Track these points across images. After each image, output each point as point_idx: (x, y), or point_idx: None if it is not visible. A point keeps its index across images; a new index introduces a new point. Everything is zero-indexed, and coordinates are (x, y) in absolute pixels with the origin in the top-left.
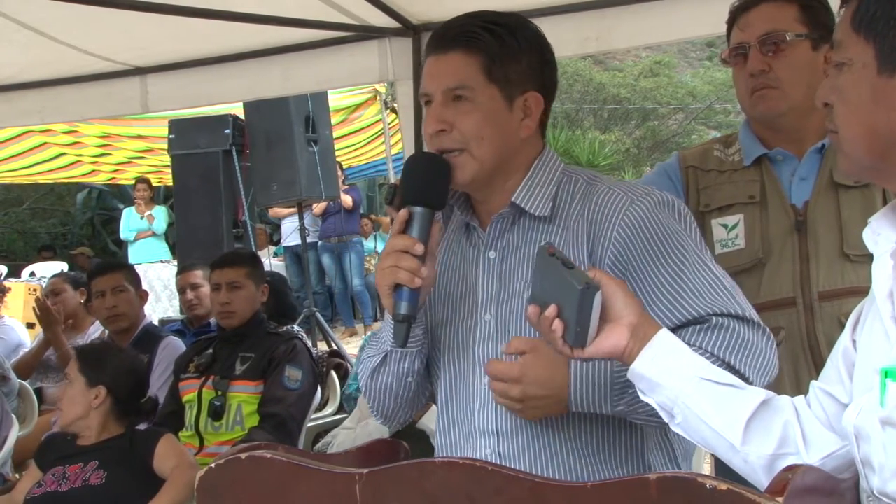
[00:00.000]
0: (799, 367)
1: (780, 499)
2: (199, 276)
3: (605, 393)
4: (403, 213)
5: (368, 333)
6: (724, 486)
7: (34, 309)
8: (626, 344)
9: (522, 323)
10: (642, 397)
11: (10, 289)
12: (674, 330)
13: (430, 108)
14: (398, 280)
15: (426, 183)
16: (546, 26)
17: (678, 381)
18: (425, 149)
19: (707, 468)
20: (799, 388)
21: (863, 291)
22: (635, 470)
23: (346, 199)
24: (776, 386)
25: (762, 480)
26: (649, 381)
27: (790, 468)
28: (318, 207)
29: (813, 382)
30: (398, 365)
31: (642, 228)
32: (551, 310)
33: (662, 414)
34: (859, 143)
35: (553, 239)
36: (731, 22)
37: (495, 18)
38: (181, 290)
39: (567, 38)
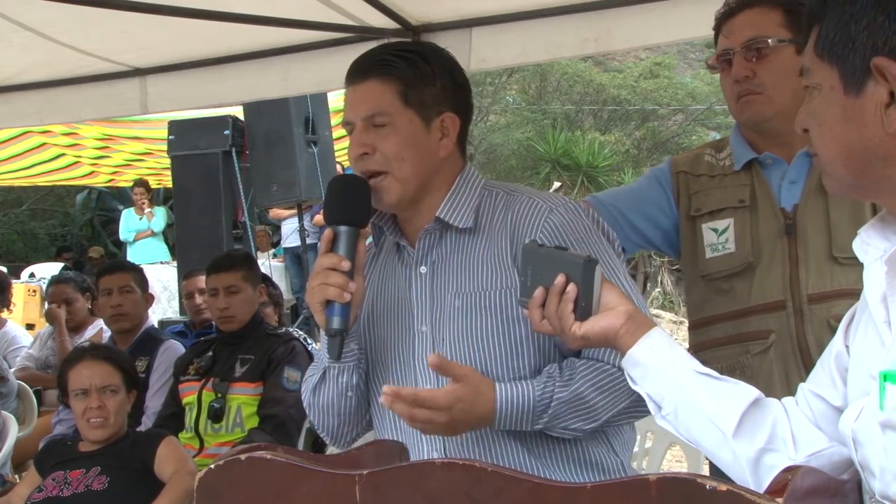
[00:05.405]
0: (789, 369)
1: (779, 500)
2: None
3: (529, 415)
4: (328, 233)
5: None
6: (723, 487)
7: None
8: (620, 324)
9: (456, 331)
10: (633, 386)
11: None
12: None
13: (353, 135)
14: (328, 296)
15: (347, 203)
16: (546, 27)
17: (675, 371)
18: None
19: (706, 469)
20: (789, 390)
21: (851, 294)
22: (577, 462)
23: None
24: (767, 388)
25: (746, 476)
26: (644, 369)
27: (790, 469)
28: (318, 219)
29: (801, 385)
30: (337, 380)
31: (563, 234)
32: (560, 278)
33: (651, 405)
34: (837, 163)
35: (478, 249)
36: (717, 28)
37: (408, 47)
38: (189, 295)
39: (566, 40)
